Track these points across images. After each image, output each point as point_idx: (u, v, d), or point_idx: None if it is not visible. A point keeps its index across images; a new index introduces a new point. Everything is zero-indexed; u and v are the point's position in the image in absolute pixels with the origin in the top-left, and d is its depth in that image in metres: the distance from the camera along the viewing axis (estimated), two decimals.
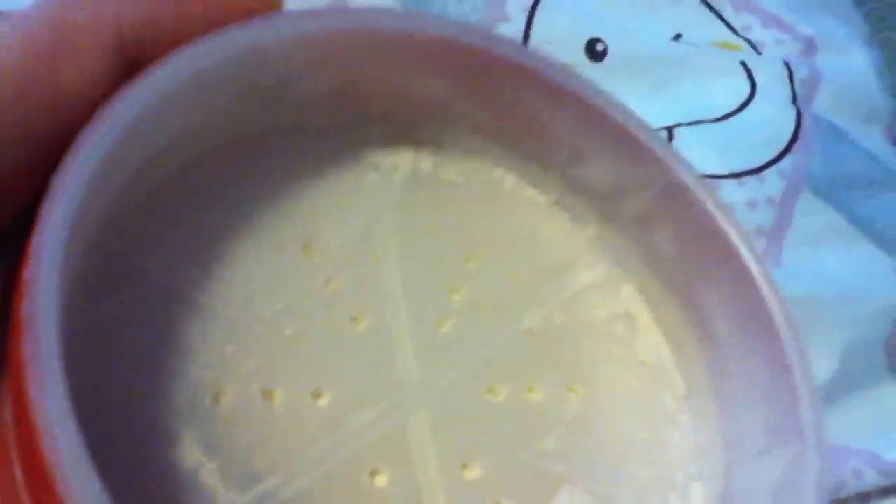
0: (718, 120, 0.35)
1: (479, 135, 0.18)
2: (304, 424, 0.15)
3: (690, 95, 0.36)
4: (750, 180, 0.34)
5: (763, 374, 0.16)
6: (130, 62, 0.14)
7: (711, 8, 0.40)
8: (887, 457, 0.31)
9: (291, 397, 0.16)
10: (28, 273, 0.12)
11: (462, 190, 0.18)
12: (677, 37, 0.38)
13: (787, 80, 0.37)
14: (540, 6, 0.36)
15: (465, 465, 0.16)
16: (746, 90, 0.36)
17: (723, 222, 0.16)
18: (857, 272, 0.33)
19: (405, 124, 0.18)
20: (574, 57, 0.36)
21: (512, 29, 0.35)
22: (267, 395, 0.16)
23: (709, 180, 0.16)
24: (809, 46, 0.40)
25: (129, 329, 0.15)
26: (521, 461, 0.16)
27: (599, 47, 0.36)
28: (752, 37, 0.39)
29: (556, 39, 0.36)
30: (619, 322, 0.18)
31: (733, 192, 0.33)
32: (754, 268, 0.16)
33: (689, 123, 0.35)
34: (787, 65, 0.38)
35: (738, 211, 0.33)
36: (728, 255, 0.16)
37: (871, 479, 0.31)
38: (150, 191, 0.16)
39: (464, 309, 0.17)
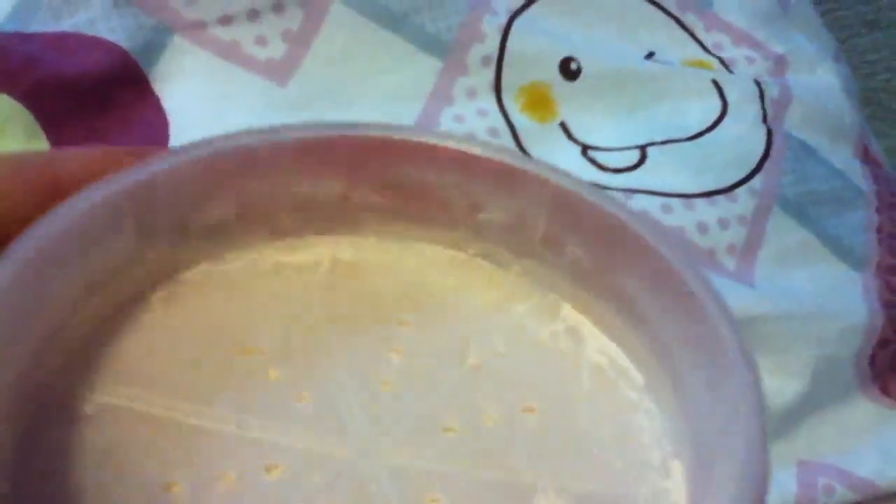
0: (690, 139, 0.36)
1: (384, 217, 0.19)
2: (260, 497, 0.16)
3: (663, 114, 0.36)
4: (721, 199, 0.34)
5: (696, 346, 0.16)
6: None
7: (684, 27, 0.40)
8: (857, 473, 0.32)
9: (245, 476, 0.16)
10: None
11: (382, 267, 0.20)
12: (650, 55, 0.39)
13: (758, 99, 0.38)
14: (514, 26, 0.37)
15: (431, 501, 0.16)
16: (718, 109, 0.37)
17: (618, 214, 0.17)
18: (827, 290, 0.34)
19: (315, 224, 0.19)
20: (548, 75, 0.36)
21: (487, 48, 0.36)
22: (216, 478, 0.16)
23: (590, 183, 0.17)
24: (779, 64, 0.41)
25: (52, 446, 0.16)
26: (487, 482, 0.17)
27: (573, 66, 0.36)
28: (723, 55, 0.40)
29: (530, 58, 0.36)
30: (562, 338, 0.19)
31: (705, 211, 0.33)
32: (662, 248, 0.16)
33: (662, 142, 0.35)
34: (757, 84, 0.38)
35: (711, 229, 0.33)
36: (635, 243, 0.17)
37: (842, 496, 0.31)
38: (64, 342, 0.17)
39: (405, 366, 0.18)
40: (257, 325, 0.18)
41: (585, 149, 0.35)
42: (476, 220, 0.19)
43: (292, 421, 0.17)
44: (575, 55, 0.36)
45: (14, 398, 0.15)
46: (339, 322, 0.19)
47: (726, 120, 0.36)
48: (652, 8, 0.40)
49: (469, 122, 0.34)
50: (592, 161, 0.35)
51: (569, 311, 0.19)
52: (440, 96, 0.35)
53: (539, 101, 0.36)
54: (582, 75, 0.36)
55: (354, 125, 0.18)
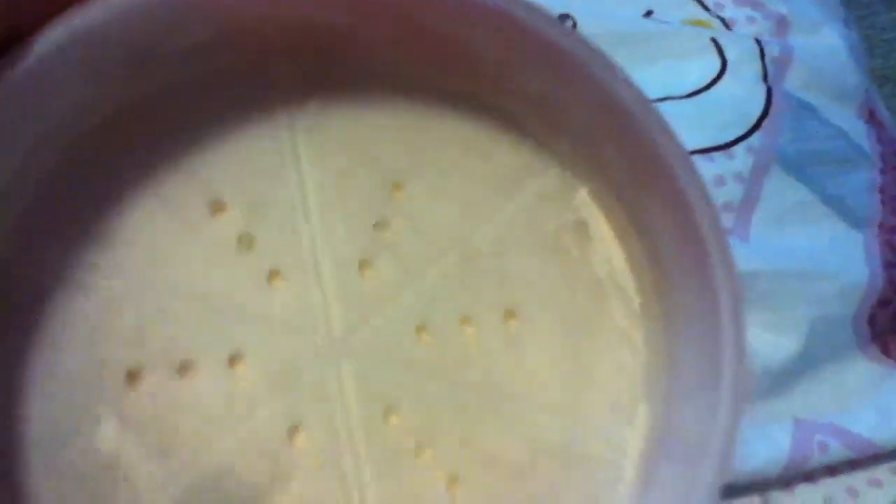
0: (688, 96, 0.35)
1: (389, 55, 0.16)
2: (221, 392, 0.15)
3: (661, 72, 0.36)
4: (719, 156, 0.34)
5: (696, 302, 0.15)
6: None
7: None
8: (854, 431, 0.31)
9: (208, 366, 0.15)
10: None
11: (385, 119, 0.17)
12: (648, 13, 0.38)
13: (759, 58, 0.37)
14: None
15: (390, 414, 0.16)
16: (717, 67, 0.36)
17: (662, 144, 0.15)
18: (826, 249, 0.33)
19: (313, 64, 0.16)
20: None
21: None
22: (183, 366, 0.15)
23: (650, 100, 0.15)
24: (781, 24, 0.40)
25: (23, 320, 0.15)
26: (445, 401, 0.16)
27: (569, 23, 0.36)
28: (723, 14, 0.39)
29: None
30: (569, 234, 0.17)
31: (702, 168, 0.33)
32: (690, 190, 0.15)
33: (660, 99, 0.35)
34: (758, 42, 0.37)
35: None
36: (666, 176, 0.15)
37: (838, 453, 0.31)
38: (40, 177, 0.15)
39: (393, 245, 0.17)
40: (230, 176, 0.16)
41: None
42: (502, 83, 0.17)
43: (257, 302, 0.16)
44: (570, 12, 0.36)
45: None
46: (321, 174, 0.17)
47: (725, 78, 0.36)
48: None
49: None
50: None
51: (583, 198, 0.17)
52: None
53: None
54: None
55: None
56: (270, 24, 0.16)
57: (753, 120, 0.35)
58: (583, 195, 0.17)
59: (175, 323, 0.15)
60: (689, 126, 0.34)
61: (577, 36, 0.15)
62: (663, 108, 0.36)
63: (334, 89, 0.17)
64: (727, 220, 0.33)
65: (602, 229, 0.17)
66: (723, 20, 0.39)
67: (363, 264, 0.16)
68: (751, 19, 0.40)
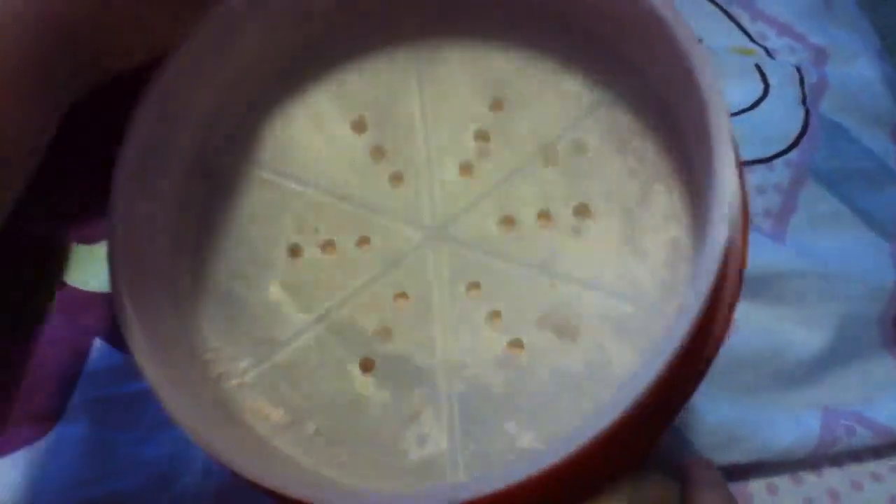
0: (733, 116, 0.39)
1: (479, 12, 0.22)
2: (353, 265, 0.21)
3: None
4: (760, 168, 0.37)
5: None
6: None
7: (730, 17, 0.43)
8: (879, 419, 0.34)
9: (343, 246, 0.21)
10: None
11: (490, 50, 0.22)
12: (699, 41, 0.42)
13: (798, 83, 0.41)
14: None
15: (472, 286, 0.21)
16: (760, 90, 0.40)
17: (694, 66, 0.20)
18: (855, 253, 0.37)
19: (416, 14, 0.22)
20: None
21: None
22: (327, 244, 0.21)
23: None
24: (820, 55, 0.44)
25: (220, 203, 0.21)
26: (518, 279, 0.21)
27: None
28: (766, 44, 0.43)
29: None
30: (631, 158, 0.21)
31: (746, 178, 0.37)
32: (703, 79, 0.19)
33: None
34: (798, 69, 0.41)
35: (749, 194, 0.36)
36: (693, 85, 0.19)
37: (864, 438, 0.34)
38: (237, 101, 0.22)
39: (490, 152, 0.22)
40: (368, 102, 0.22)
41: None
42: (588, 26, 0.22)
43: (382, 198, 0.21)
44: None
45: (192, 176, 0.21)
46: (435, 98, 0.22)
47: (767, 100, 0.40)
48: (701, 0, 0.43)
49: None
50: None
51: (639, 143, 0.22)
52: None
53: None
54: None
55: None
56: None
57: (792, 138, 0.39)
58: (637, 141, 0.22)
59: (323, 214, 0.21)
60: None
61: None
62: None
63: (451, 27, 0.22)
64: (766, 224, 0.36)
65: (657, 158, 0.21)
66: (766, 49, 0.43)
67: (463, 167, 0.21)
68: (792, 49, 0.43)
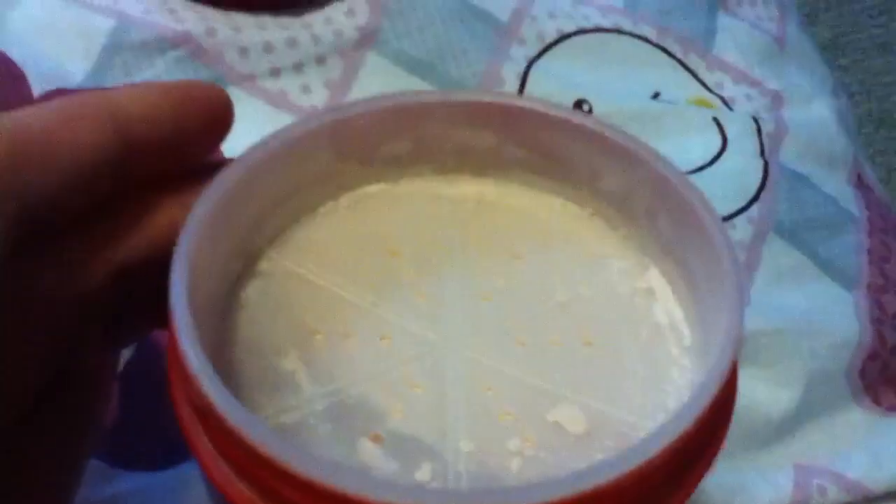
0: (692, 172, 0.39)
1: (525, 169, 0.25)
2: (371, 354, 0.23)
3: (669, 149, 0.39)
4: None
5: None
6: (130, 145, 0.20)
7: (686, 67, 0.44)
8: (849, 475, 0.35)
9: (365, 339, 0.23)
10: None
11: (515, 209, 0.26)
12: (656, 95, 0.42)
13: (755, 134, 0.41)
14: (531, 71, 0.40)
15: (485, 388, 0.22)
16: (718, 144, 0.40)
17: (697, 206, 0.21)
18: (819, 308, 0.37)
19: (470, 167, 0.26)
20: None
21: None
22: (346, 335, 0.23)
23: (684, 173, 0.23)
24: (776, 99, 0.44)
25: (266, 302, 0.23)
26: (529, 386, 0.22)
27: (585, 107, 0.40)
28: (724, 93, 0.44)
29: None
30: (639, 295, 0.24)
31: None
32: (719, 240, 0.21)
33: None
34: (755, 120, 0.42)
35: None
36: (703, 231, 0.21)
37: (834, 496, 0.34)
38: (269, 221, 0.24)
39: (506, 290, 0.24)
40: (409, 235, 0.25)
41: None
42: (595, 185, 0.25)
43: (408, 309, 0.23)
44: (587, 97, 0.40)
45: (230, 259, 0.23)
46: (469, 244, 0.25)
47: (726, 154, 0.40)
48: (657, 51, 0.44)
49: None
50: None
51: (655, 274, 0.24)
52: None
53: None
54: (592, 114, 0.40)
55: (509, 94, 0.26)
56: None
57: (752, 192, 0.39)
58: (654, 272, 0.24)
59: (347, 309, 0.23)
60: None
61: (640, 141, 0.23)
62: None
63: (489, 188, 0.26)
64: None
65: (666, 294, 0.24)
66: (723, 98, 0.43)
67: (482, 297, 0.24)
68: (748, 97, 0.44)
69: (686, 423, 0.17)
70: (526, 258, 0.25)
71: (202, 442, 0.19)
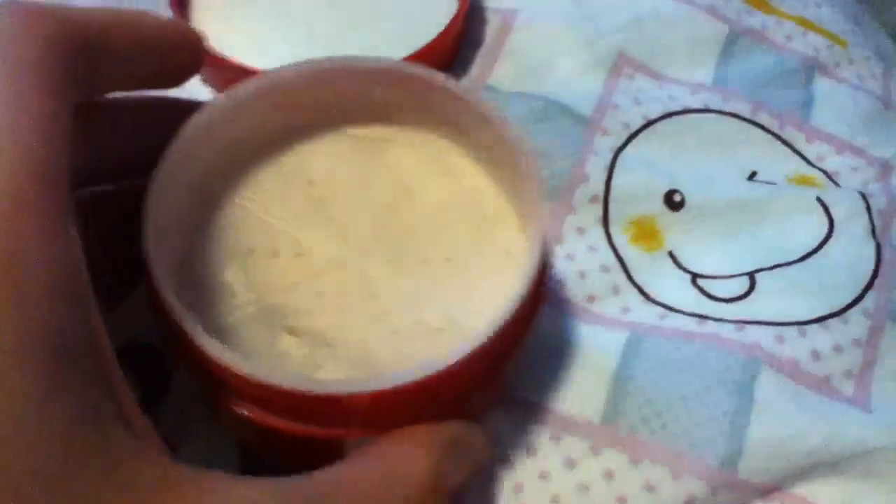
0: (799, 261, 0.37)
1: (420, 122, 0.33)
2: (292, 268, 0.29)
3: (769, 237, 0.38)
4: (834, 323, 0.35)
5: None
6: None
7: (784, 142, 0.41)
8: None
9: (288, 256, 0.30)
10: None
11: (409, 147, 0.33)
12: (752, 175, 0.40)
13: (865, 212, 0.38)
14: (618, 162, 0.39)
15: (374, 294, 0.29)
16: (825, 227, 0.38)
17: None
18: None
19: (377, 116, 0.33)
20: (654, 208, 0.38)
21: (593, 189, 0.38)
22: (274, 254, 0.30)
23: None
24: (885, 169, 0.41)
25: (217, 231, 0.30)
26: (405, 293, 0.30)
27: (677, 197, 0.38)
28: (826, 166, 0.41)
29: (635, 194, 0.38)
30: (487, 220, 0.32)
31: (819, 338, 0.34)
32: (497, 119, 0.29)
33: (771, 267, 0.37)
34: (863, 196, 0.39)
35: (825, 356, 0.34)
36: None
37: None
38: (220, 165, 0.30)
39: (395, 215, 0.31)
40: (323, 170, 0.32)
41: (694, 277, 0.37)
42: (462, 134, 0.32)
43: (321, 232, 0.30)
44: (678, 187, 0.38)
45: (192, 195, 0.29)
46: (370, 177, 0.32)
47: (834, 238, 0.37)
48: (751, 126, 0.41)
49: (579, 259, 0.37)
50: (702, 290, 0.36)
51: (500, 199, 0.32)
52: (551, 236, 0.37)
53: (646, 233, 0.38)
54: (686, 205, 0.38)
55: (424, 69, 0.31)
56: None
57: (866, 280, 0.36)
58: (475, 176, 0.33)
59: (275, 234, 0.31)
60: (805, 293, 0.36)
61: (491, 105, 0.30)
62: (777, 276, 0.37)
63: (391, 131, 0.33)
64: (848, 387, 0.34)
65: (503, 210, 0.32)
66: (826, 173, 0.41)
67: (381, 222, 0.31)
68: (854, 168, 0.41)
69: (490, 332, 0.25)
70: (414, 188, 0.32)
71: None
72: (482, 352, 0.25)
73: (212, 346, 0.24)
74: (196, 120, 0.28)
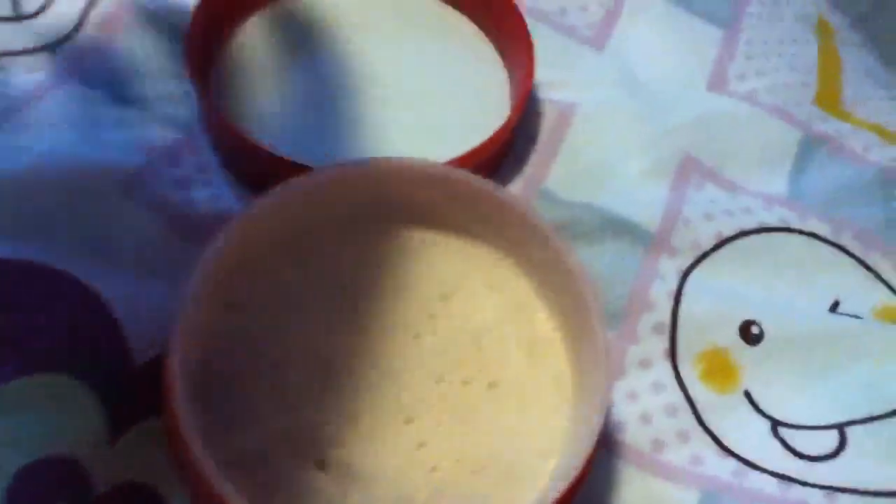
0: (892, 414, 0.32)
1: (468, 228, 0.30)
2: (322, 388, 0.27)
3: (860, 382, 0.33)
4: None
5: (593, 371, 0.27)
6: None
7: (868, 267, 0.37)
8: None
9: (317, 374, 0.28)
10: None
11: (454, 254, 0.31)
12: (835, 306, 0.36)
13: None
14: (686, 287, 0.34)
15: (408, 420, 0.28)
16: None
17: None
18: None
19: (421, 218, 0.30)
20: (728, 340, 0.34)
21: (658, 316, 0.34)
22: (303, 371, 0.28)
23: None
24: None
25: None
26: (442, 422, 0.28)
27: (755, 330, 0.34)
28: None
29: (707, 323, 0.34)
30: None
31: None
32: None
33: (863, 420, 0.32)
34: None
35: None
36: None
37: None
38: (247, 264, 0.28)
39: (437, 329, 0.29)
40: (358, 276, 0.30)
41: (775, 424, 0.32)
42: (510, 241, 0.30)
43: (360, 346, 0.28)
44: (755, 317, 0.34)
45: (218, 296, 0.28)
46: (405, 283, 0.30)
47: None
48: (833, 250, 0.37)
49: (643, 399, 0.32)
50: (784, 443, 0.32)
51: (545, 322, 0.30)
52: (611, 370, 0.33)
53: (720, 369, 0.33)
54: (764, 339, 0.34)
55: (463, 172, 0.29)
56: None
57: None
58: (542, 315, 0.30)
59: (303, 347, 0.28)
60: None
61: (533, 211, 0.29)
62: (870, 431, 0.32)
63: (430, 234, 0.31)
64: None
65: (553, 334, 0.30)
66: None
67: (416, 336, 0.29)
68: None
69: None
70: (456, 299, 0.30)
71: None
72: None
73: None
74: (241, 219, 0.27)
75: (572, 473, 0.24)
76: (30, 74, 0.34)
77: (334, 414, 0.27)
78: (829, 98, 0.43)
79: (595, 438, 0.25)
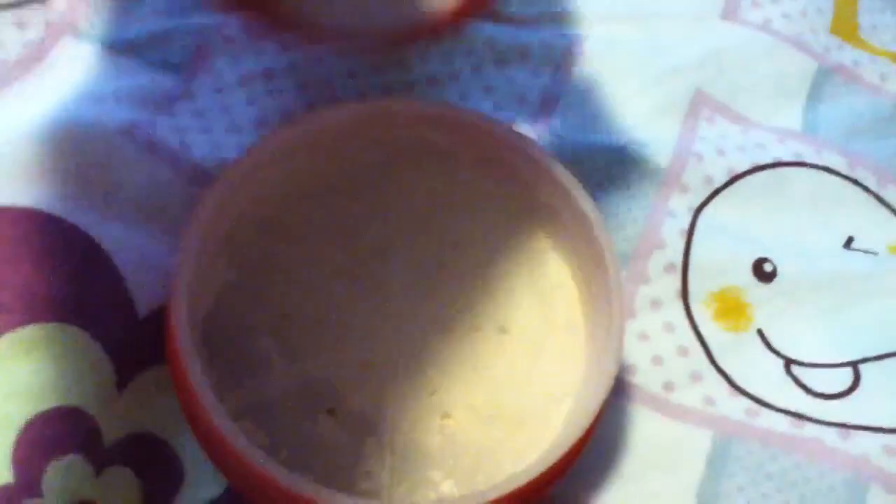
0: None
1: (480, 172, 0.30)
2: (334, 335, 0.27)
3: (873, 320, 0.33)
4: None
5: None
6: None
7: (884, 202, 0.36)
8: None
9: (328, 322, 0.28)
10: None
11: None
12: (849, 241, 0.35)
13: None
14: (698, 225, 0.34)
15: (419, 369, 0.27)
16: None
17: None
18: None
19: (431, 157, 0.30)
20: (741, 279, 0.33)
21: (669, 255, 0.33)
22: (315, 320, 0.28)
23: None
24: None
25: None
26: (452, 372, 0.28)
27: (768, 267, 0.33)
28: None
29: (719, 262, 0.33)
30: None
31: None
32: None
33: (877, 357, 0.32)
34: None
35: None
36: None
37: None
38: (256, 216, 0.28)
39: (457, 272, 0.29)
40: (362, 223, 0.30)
41: (788, 363, 0.32)
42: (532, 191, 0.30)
43: (372, 292, 0.28)
44: (768, 255, 0.33)
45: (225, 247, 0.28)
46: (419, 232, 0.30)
47: None
48: (847, 184, 0.36)
49: (654, 340, 0.32)
50: (797, 381, 0.31)
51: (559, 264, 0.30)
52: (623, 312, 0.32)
53: (732, 308, 0.33)
54: (778, 277, 0.33)
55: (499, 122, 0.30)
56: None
57: None
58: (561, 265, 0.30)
59: (314, 295, 0.28)
60: None
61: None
62: (885, 368, 0.32)
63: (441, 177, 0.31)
64: None
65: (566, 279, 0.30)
66: None
67: (427, 284, 0.29)
68: None
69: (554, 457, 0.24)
70: (467, 243, 0.29)
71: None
72: (553, 469, 0.24)
73: (252, 455, 0.22)
74: (235, 165, 0.26)
75: (587, 418, 0.24)
76: (21, 29, 0.33)
77: (345, 363, 0.27)
78: (845, 25, 0.42)
79: (610, 383, 0.25)
